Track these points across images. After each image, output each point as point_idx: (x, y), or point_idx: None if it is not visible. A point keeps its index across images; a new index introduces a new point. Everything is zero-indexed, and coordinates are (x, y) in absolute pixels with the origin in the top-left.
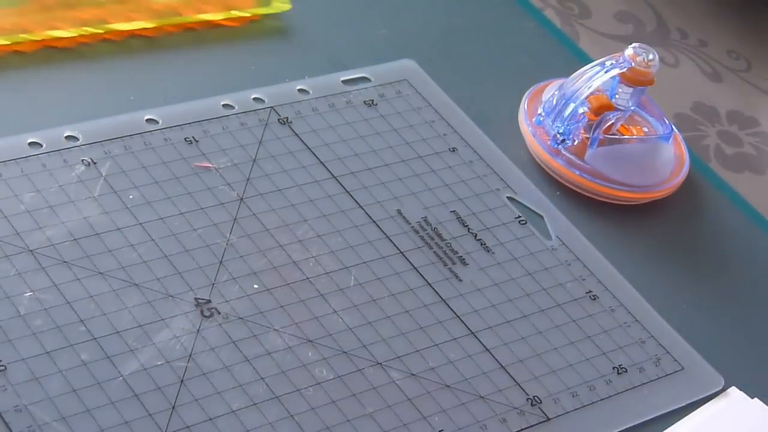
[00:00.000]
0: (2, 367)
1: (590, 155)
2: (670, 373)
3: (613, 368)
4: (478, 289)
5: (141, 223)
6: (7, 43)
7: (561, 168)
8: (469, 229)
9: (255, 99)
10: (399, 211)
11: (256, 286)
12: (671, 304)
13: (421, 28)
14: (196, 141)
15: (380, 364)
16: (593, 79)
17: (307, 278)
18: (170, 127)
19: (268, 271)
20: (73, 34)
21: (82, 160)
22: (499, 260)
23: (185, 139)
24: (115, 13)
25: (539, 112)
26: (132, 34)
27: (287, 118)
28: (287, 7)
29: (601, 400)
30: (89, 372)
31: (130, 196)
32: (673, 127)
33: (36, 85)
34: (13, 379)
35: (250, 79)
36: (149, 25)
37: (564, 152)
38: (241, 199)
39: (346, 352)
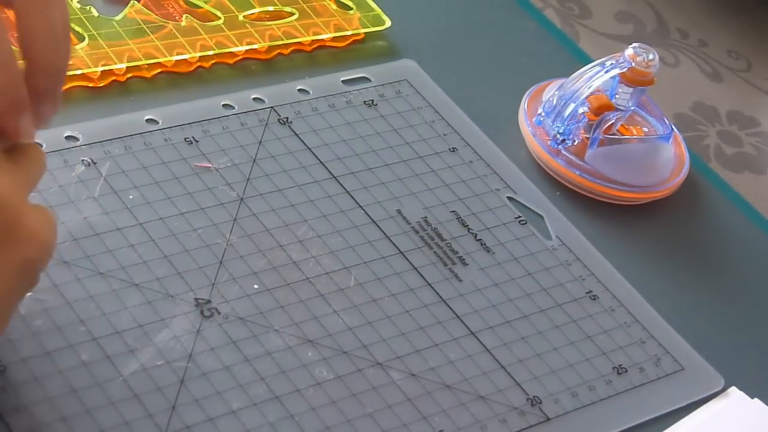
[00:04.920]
0: (2, 367)
1: (590, 155)
2: (670, 373)
3: (613, 368)
4: (478, 289)
5: (141, 223)
6: None
7: (561, 168)
8: (469, 229)
9: (255, 99)
10: (399, 211)
11: (256, 286)
12: (671, 304)
13: (421, 28)
14: (196, 141)
15: (380, 364)
16: (593, 79)
17: (307, 278)
18: (170, 127)
19: (268, 271)
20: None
21: (82, 160)
22: (499, 260)
23: (185, 139)
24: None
25: (539, 112)
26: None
27: (287, 118)
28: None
29: (601, 400)
30: (89, 372)
31: (130, 197)
32: (673, 127)
33: None
34: (13, 379)
35: (250, 80)
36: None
37: (564, 152)
38: (241, 199)
39: (346, 352)
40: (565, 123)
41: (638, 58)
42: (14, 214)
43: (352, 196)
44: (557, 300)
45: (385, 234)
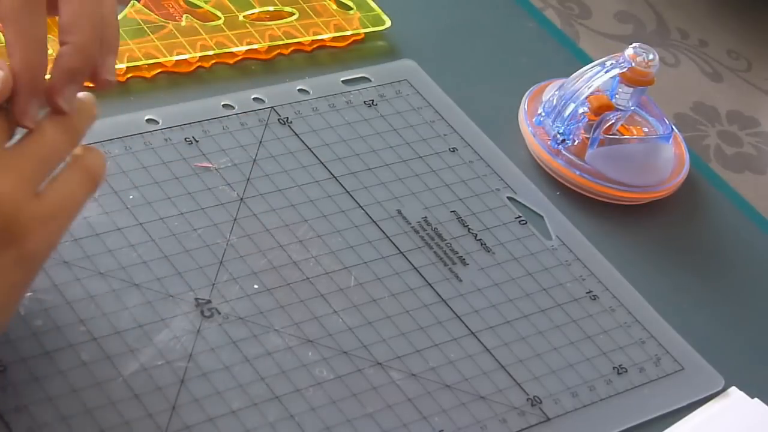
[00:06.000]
0: (2, 367)
1: (590, 155)
2: (670, 373)
3: (614, 368)
4: (478, 289)
5: (141, 223)
6: None
7: (561, 168)
8: (469, 229)
9: (255, 99)
10: (399, 211)
11: (256, 286)
12: (671, 304)
13: (421, 28)
14: (196, 141)
15: (380, 364)
16: (593, 79)
17: (308, 278)
18: (170, 127)
19: (268, 271)
20: None
21: None
22: (499, 260)
23: (185, 139)
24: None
25: (539, 112)
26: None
27: (287, 118)
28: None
29: (601, 400)
30: (89, 372)
31: (130, 197)
32: (673, 127)
33: None
34: (13, 379)
35: (250, 80)
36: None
37: (564, 152)
38: (241, 199)
39: (346, 352)
40: (565, 123)
41: (638, 58)
42: (13, 211)
43: (352, 196)
44: (557, 300)
45: (385, 234)
